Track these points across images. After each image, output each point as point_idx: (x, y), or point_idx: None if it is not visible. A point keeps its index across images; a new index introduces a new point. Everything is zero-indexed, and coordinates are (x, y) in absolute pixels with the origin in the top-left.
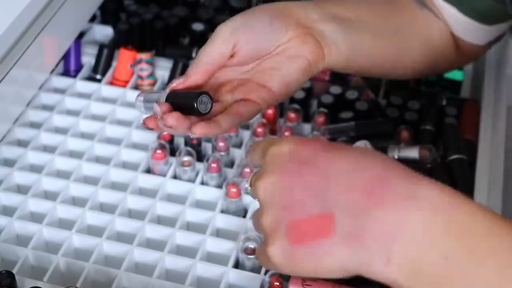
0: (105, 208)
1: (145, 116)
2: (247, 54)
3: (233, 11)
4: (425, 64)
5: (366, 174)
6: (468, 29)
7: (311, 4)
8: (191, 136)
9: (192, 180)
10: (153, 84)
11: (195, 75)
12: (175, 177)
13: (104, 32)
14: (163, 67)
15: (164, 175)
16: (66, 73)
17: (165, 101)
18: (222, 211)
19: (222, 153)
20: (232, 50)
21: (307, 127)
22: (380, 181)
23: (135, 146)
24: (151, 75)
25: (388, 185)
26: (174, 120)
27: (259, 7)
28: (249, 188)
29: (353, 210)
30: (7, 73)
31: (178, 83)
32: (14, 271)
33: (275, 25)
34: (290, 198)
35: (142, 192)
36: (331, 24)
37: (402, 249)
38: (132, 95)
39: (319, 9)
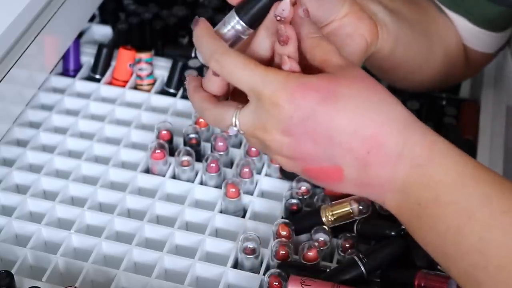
0: (104, 208)
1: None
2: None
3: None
4: (441, 74)
5: (364, 134)
6: (478, 38)
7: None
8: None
9: (191, 180)
10: (152, 84)
11: None
12: (174, 177)
13: (103, 32)
14: (162, 66)
15: (163, 175)
16: (65, 72)
17: (239, 16)
18: (221, 211)
19: (221, 153)
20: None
21: None
22: (375, 141)
23: (134, 146)
24: (150, 74)
25: (382, 144)
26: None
27: None
28: (239, 130)
29: (357, 165)
30: (7, 72)
31: None
32: (13, 271)
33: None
34: (300, 152)
35: (141, 192)
36: (379, 7)
37: (392, 197)
38: (131, 95)
39: (378, 7)
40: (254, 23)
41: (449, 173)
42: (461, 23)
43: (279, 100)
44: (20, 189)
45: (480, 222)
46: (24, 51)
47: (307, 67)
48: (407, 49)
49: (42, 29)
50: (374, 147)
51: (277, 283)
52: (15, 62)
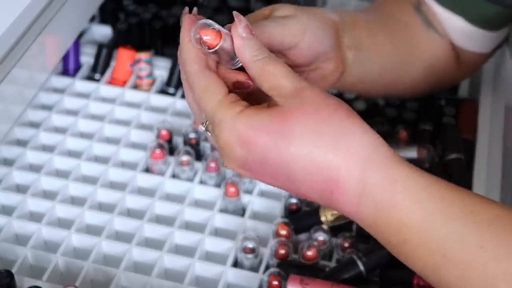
0: (104, 207)
1: None
2: (305, 57)
3: (232, 11)
4: (427, 84)
5: (323, 177)
6: (474, 38)
7: (345, 25)
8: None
9: (191, 180)
10: (152, 84)
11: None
12: (173, 176)
13: (103, 32)
14: (162, 66)
15: (162, 174)
16: (65, 72)
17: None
18: (221, 211)
19: None
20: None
21: None
22: (335, 184)
23: (134, 145)
24: (150, 74)
25: (343, 186)
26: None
27: (321, 12)
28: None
29: (322, 200)
30: (8, 73)
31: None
32: (13, 270)
33: (328, 43)
34: (263, 181)
35: (141, 191)
36: (352, 53)
37: (363, 226)
38: (130, 95)
39: (351, 35)
40: None
41: (416, 214)
42: (457, 23)
43: (230, 143)
44: (20, 189)
45: (455, 261)
46: (25, 52)
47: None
48: (374, 83)
49: (43, 29)
50: (335, 189)
51: (276, 282)
52: (16, 63)
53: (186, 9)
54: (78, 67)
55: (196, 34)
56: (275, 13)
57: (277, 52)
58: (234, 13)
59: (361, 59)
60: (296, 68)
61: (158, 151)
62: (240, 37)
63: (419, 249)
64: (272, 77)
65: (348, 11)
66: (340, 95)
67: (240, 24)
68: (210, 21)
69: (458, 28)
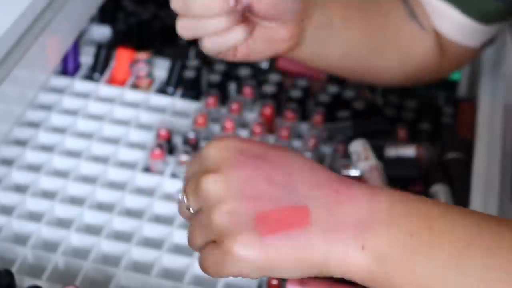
0: (103, 207)
1: None
2: (265, 7)
3: None
4: (401, 76)
5: (327, 174)
6: (465, 31)
7: (320, 1)
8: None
9: None
10: (151, 84)
11: None
12: (173, 176)
13: (102, 32)
14: (161, 67)
15: (162, 174)
16: (64, 72)
17: None
18: None
19: None
20: None
21: (304, 126)
22: (341, 181)
23: (133, 145)
24: (149, 74)
25: (350, 184)
26: None
27: None
28: (184, 197)
29: (326, 203)
30: (8, 73)
31: None
32: (13, 270)
33: (292, 5)
34: (253, 189)
35: (140, 191)
36: (315, 31)
37: (373, 234)
38: (130, 94)
39: (323, 12)
40: None
41: (437, 204)
42: (449, 14)
43: (224, 141)
44: (20, 188)
45: (481, 248)
46: (26, 52)
47: None
48: (336, 67)
49: (43, 29)
50: (342, 186)
51: (275, 282)
52: (17, 63)
53: None
54: (77, 67)
55: None
56: None
57: None
58: None
59: (324, 38)
60: (254, 18)
61: (157, 150)
62: None
63: (444, 236)
64: None
65: None
66: (339, 94)
67: None
68: None
69: (450, 19)
